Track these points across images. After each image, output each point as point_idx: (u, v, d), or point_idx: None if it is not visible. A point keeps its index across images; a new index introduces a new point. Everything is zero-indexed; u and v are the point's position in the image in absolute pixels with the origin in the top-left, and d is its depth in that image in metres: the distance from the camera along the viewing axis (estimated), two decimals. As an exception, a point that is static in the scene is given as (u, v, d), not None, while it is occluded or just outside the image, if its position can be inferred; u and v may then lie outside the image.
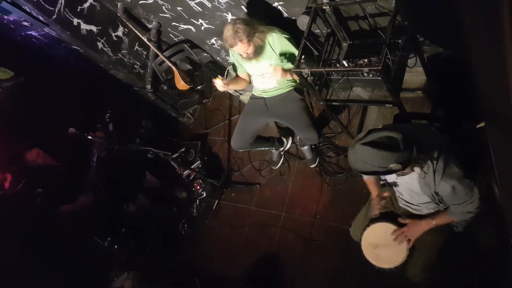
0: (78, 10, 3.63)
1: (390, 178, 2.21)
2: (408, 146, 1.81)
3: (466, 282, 2.51)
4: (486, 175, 2.00)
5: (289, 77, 2.96)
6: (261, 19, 2.96)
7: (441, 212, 2.19)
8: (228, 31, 2.69)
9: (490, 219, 2.12)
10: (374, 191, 2.41)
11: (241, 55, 2.89)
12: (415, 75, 3.05)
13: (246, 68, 3.13)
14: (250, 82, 3.33)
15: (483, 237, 2.37)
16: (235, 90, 4.04)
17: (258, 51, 2.84)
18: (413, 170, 1.98)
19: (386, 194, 2.35)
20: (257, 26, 2.76)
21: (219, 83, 3.00)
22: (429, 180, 1.96)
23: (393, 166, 1.80)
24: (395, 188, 2.30)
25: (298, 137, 3.60)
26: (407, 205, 2.35)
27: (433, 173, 1.92)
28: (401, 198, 2.35)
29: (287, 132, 3.73)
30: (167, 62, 3.95)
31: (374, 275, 2.37)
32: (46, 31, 3.67)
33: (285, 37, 2.85)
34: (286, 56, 2.88)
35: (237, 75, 3.34)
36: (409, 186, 2.12)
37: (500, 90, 1.27)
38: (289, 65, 2.91)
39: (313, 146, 3.55)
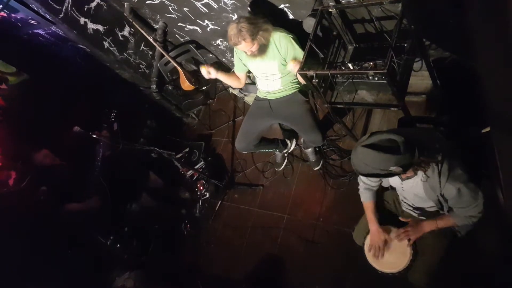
0: (85, 9, 3.65)
1: (395, 182, 2.20)
2: (410, 149, 1.81)
3: (470, 288, 2.50)
4: (491, 180, 1.99)
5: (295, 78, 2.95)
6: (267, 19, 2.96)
7: (444, 215, 2.18)
8: (232, 30, 2.71)
9: (494, 225, 2.11)
10: (372, 222, 2.32)
11: (246, 52, 2.89)
12: (420, 79, 3.04)
13: (250, 68, 3.13)
14: (251, 83, 3.32)
15: (487, 242, 2.35)
16: (239, 91, 4.05)
17: (262, 49, 2.85)
18: (416, 174, 1.97)
19: (386, 236, 2.28)
20: (261, 24, 2.76)
21: (203, 71, 3.09)
22: (434, 183, 1.95)
23: (393, 168, 1.81)
24: (399, 192, 2.29)
25: (302, 139, 3.60)
26: (410, 210, 2.34)
27: (438, 176, 1.92)
28: (405, 202, 2.34)
29: (291, 134, 3.72)
30: (172, 62, 3.97)
31: (376, 279, 2.36)
32: (53, 29, 3.69)
33: (291, 37, 2.85)
34: (291, 56, 2.88)
35: (233, 71, 3.34)
36: (414, 191, 2.11)
37: (507, 95, 1.27)
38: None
39: (317, 149, 3.54)
